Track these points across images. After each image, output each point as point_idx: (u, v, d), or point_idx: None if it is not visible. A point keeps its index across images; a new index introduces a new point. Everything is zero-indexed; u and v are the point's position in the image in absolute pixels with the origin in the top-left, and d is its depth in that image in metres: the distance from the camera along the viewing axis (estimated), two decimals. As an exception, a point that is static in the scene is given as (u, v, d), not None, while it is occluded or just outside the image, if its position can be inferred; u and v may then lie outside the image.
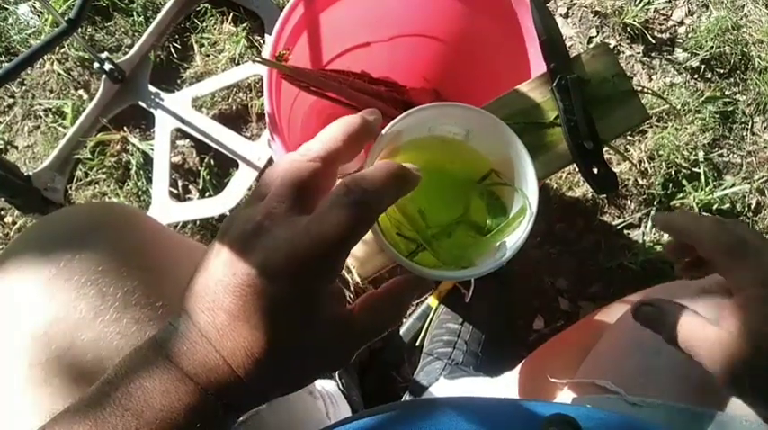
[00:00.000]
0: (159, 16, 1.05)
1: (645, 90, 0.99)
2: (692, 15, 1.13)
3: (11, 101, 1.07)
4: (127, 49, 1.07)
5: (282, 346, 0.28)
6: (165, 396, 0.27)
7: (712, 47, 1.07)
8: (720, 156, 1.04)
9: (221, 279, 0.28)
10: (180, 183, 1.02)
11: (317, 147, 0.32)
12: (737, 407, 0.40)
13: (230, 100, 1.05)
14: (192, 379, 0.28)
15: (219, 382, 0.28)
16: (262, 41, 1.08)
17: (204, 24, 1.08)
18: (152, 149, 1.01)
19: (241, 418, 0.43)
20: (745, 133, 1.06)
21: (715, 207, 1.00)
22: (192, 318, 0.29)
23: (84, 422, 0.27)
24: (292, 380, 0.31)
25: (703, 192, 1.00)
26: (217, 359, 0.28)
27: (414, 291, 0.34)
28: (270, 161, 0.98)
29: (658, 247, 0.98)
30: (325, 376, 0.83)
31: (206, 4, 1.08)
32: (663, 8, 1.12)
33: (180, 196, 1.01)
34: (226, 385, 0.28)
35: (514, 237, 0.38)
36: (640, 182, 1.01)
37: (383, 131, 0.37)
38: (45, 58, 1.06)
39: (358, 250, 0.43)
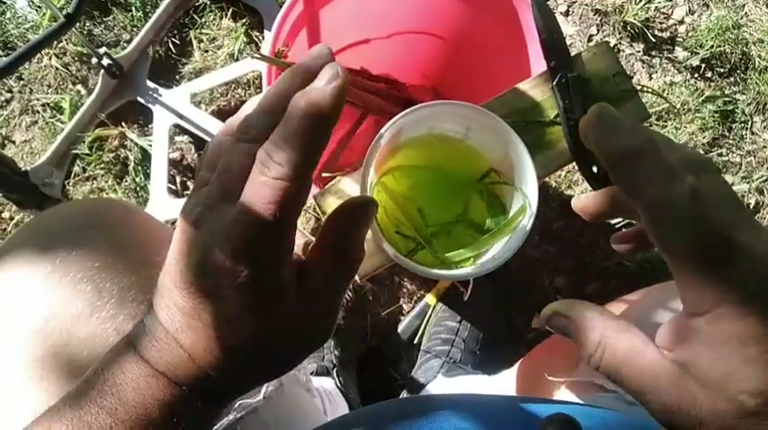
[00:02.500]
0: (158, 11, 1.05)
1: (645, 89, 0.99)
2: (692, 14, 1.12)
3: (8, 95, 1.06)
4: (125, 45, 1.06)
5: (236, 343, 0.27)
6: (138, 392, 0.27)
7: (713, 46, 1.07)
8: (720, 155, 1.04)
9: (173, 276, 0.28)
10: (178, 180, 1.02)
11: (280, 160, 0.26)
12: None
13: (229, 96, 1.05)
14: (162, 374, 0.28)
15: (188, 377, 0.28)
16: (261, 37, 1.08)
17: (203, 20, 1.08)
18: (150, 145, 1.00)
19: (238, 415, 0.43)
20: (744, 133, 1.06)
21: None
22: (156, 315, 0.28)
23: (62, 421, 0.27)
24: (263, 371, 0.30)
25: (702, 191, 1.00)
26: (181, 354, 0.28)
27: (356, 222, 0.29)
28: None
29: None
30: (320, 371, 0.83)
31: (205, 0, 1.08)
32: (663, 7, 1.12)
33: (178, 192, 1.01)
34: (195, 379, 0.28)
35: (514, 236, 0.38)
36: (639, 181, 1.01)
37: (382, 130, 0.37)
38: (43, 52, 1.06)
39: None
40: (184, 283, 0.27)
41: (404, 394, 0.89)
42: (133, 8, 1.08)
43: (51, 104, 1.05)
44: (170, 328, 0.28)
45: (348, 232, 0.29)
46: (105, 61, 0.97)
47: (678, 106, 1.05)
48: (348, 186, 0.43)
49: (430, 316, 0.93)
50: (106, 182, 1.01)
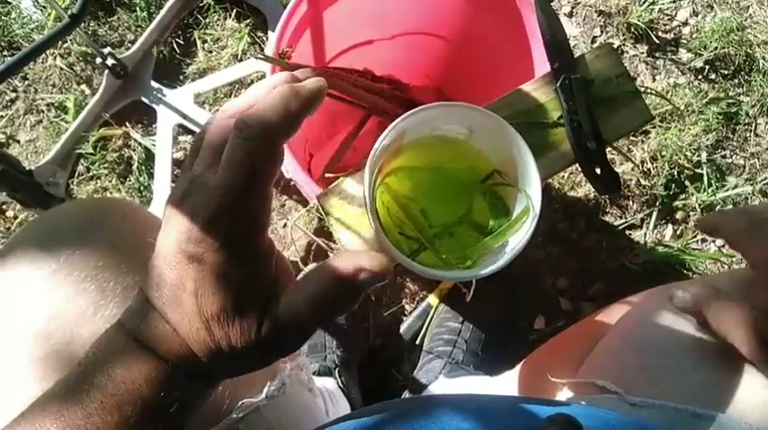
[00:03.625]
0: (162, 12, 1.05)
1: (648, 90, 0.99)
2: (696, 16, 1.12)
3: (13, 95, 1.07)
4: (129, 45, 1.07)
5: (213, 310, 0.28)
6: (126, 367, 0.28)
7: (717, 48, 1.07)
8: (723, 157, 1.04)
9: (161, 252, 0.29)
10: (181, 179, 1.02)
11: (237, 104, 0.31)
12: (738, 408, 0.40)
13: (233, 96, 1.05)
14: (150, 350, 0.29)
15: (173, 352, 0.29)
16: (265, 38, 1.08)
17: (207, 20, 1.08)
18: (154, 145, 1.01)
19: (240, 414, 0.43)
20: (748, 135, 1.06)
21: (717, 209, 1.00)
22: (146, 295, 0.30)
23: (53, 401, 0.29)
24: (243, 354, 0.30)
25: (706, 193, 1.00)
26: (167, 329, 0.29)
27: (372, 274, 0.29)
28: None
29: (660, 248, 0.98)
30: (322, 371, 0.83)
31: (209, 0, 1.08)
32: (667, 8, 1.11)
33: (181, 192, 1.01)
34: (180, 354, 0.29)
35: (517, 238, 0.38)
36: (643, 182, 1.01)
37: (385, 131, 0.37)
38: (48, 52, 1.06)
39: (359, 249, 0.43)
40: (172, 255, 0.29)
41: (405, 394, 0.89)
42: (137, 8, 1.08)
43: (56, 104, 1.05)
44: (157, 304, 0.29)
45: (350, 289, 0.30)
46: (110, 61, 0.97)
47: (682, 108, 1.04)
48: (351, 187, 0.43)
49: (432, 316, 0.93)
50: (110, 181, 1.01)
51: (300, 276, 0.31)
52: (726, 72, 1.08)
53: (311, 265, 0.94)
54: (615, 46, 1.07)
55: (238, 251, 0.29)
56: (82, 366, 0.29)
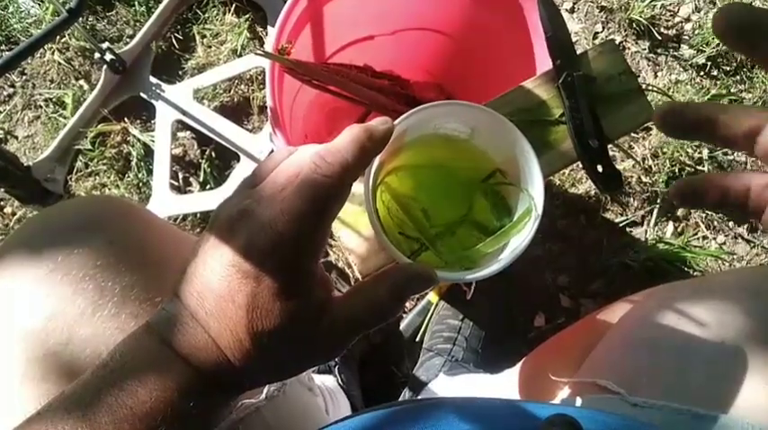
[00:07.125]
0: (161, 6, 1.04)
1: (650, 87, 0.99)
2: (698, 12, 1.11)
3: (11, 90, 1.06)
4: (128, 40, 1.06)
5: (266, 327, 0.29)
6: (159, 375, 0.28)
7: (719, 44, 1.06)
8: (725, 154, 1.04)
9: (209, 262, 0.29)
10: (180, 176, 1.01)
11: (331, 160, 0.30)
12: (741, 409, 0.40)
13: (232, 92, 1.05)
14: (184, 358, 0.29)
15: (209, 362, 0.29)
16: (264, 33, 1.07)
17: (206, 15, 1.07)
18: (153, 141, 1.00)
19: (240, 415, 0.43)
20: (750, 131, 1.05)
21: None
22: (183, 302, 0.30)
23: (79, 404, 0.28)
24: (283, 365, 0.31)
25: (707, 190, 0.99)
26: (206, 339, 0.29)
27: (410, 283, 0.32)
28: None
29: (660, 245, 0.98)
30: (322, 369, 0.83)
31: (208, -5, 1.07)
32: (669, 4, 1.11)
33: (180, 188, 1.01)
34: (216, 364, 0.29)
35: (519, 238, 0.37)
36: (644, 179, 1.01)
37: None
38: (46, 47, 1.06)
39: (359, 247, 0.42)
40: (224, 267, 0.29)
41: (405, 392, 0.88)
42: (136, 3, 1.08)
43: (54, 99, 1.05)
44: (198, 313, 0.29)
45: (398, 297, 0.32)
46: (108, 56, 0.97)
47: (683, 104, 1.04)
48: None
49: (432, 314, 0.93)
50: (108, 177, 1.01)
51: (350, 289, 0.33)
52: (728, 68, 1.08)
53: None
54: (617, 42, 1.07)
55: (296, 275, 0.29)
56: (108, 369, 0.29)
